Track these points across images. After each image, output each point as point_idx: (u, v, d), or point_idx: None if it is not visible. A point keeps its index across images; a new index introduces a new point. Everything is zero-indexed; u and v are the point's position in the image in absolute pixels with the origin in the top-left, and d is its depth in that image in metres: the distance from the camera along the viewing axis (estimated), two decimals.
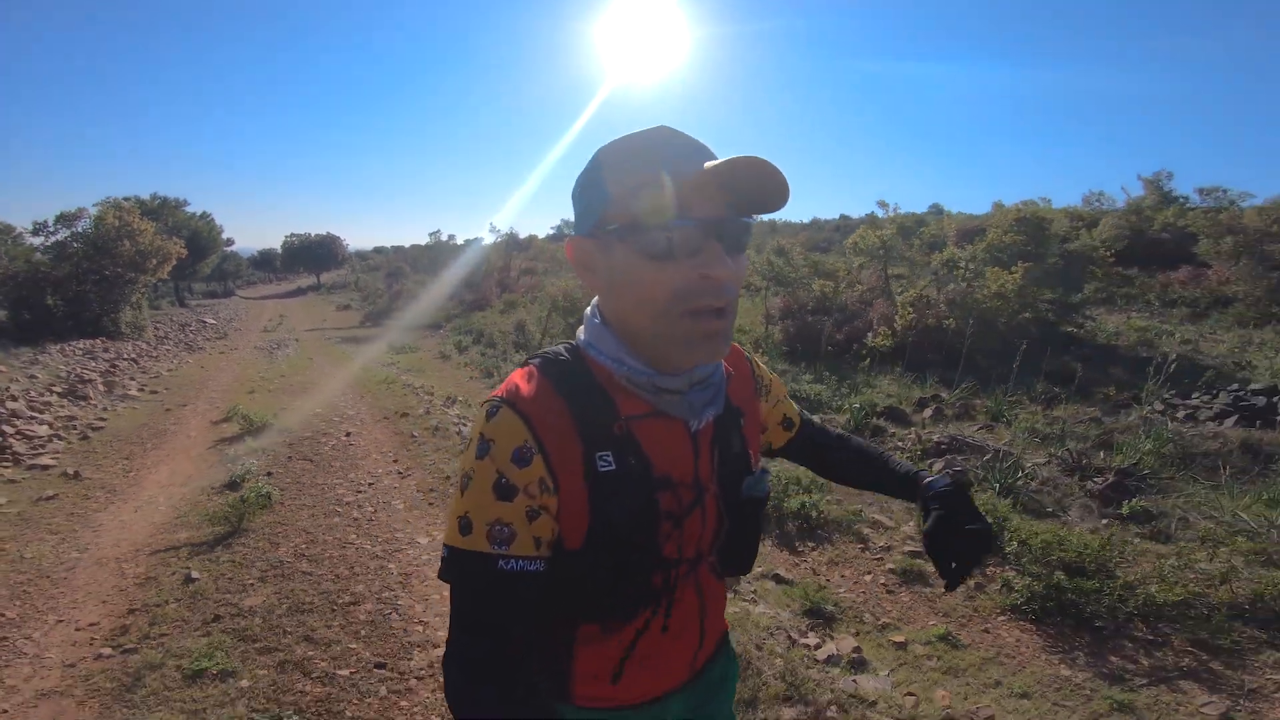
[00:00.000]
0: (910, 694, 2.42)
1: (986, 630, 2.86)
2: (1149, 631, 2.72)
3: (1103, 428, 5.41)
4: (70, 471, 4.82)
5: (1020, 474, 4.33)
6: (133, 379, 8.78)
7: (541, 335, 11.86)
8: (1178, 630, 2.69)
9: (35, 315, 12.74)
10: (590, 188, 0.75)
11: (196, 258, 24.10)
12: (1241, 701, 2.31)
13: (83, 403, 6.94)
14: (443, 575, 0.72)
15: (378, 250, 54.13)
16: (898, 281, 12.21)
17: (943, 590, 0.95)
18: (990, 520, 0.89)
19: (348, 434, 6.01)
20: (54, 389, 7.15)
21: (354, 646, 2.65)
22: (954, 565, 0.89)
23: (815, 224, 28.54)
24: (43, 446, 5.31)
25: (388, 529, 3.87)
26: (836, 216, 28.20)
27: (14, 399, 6.40)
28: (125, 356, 10.75)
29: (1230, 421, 5.35)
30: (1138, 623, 2.76)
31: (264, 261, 59.04)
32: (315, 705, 2.31)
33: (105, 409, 6.93)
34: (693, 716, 0.95)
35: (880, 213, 16.34)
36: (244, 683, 2.42)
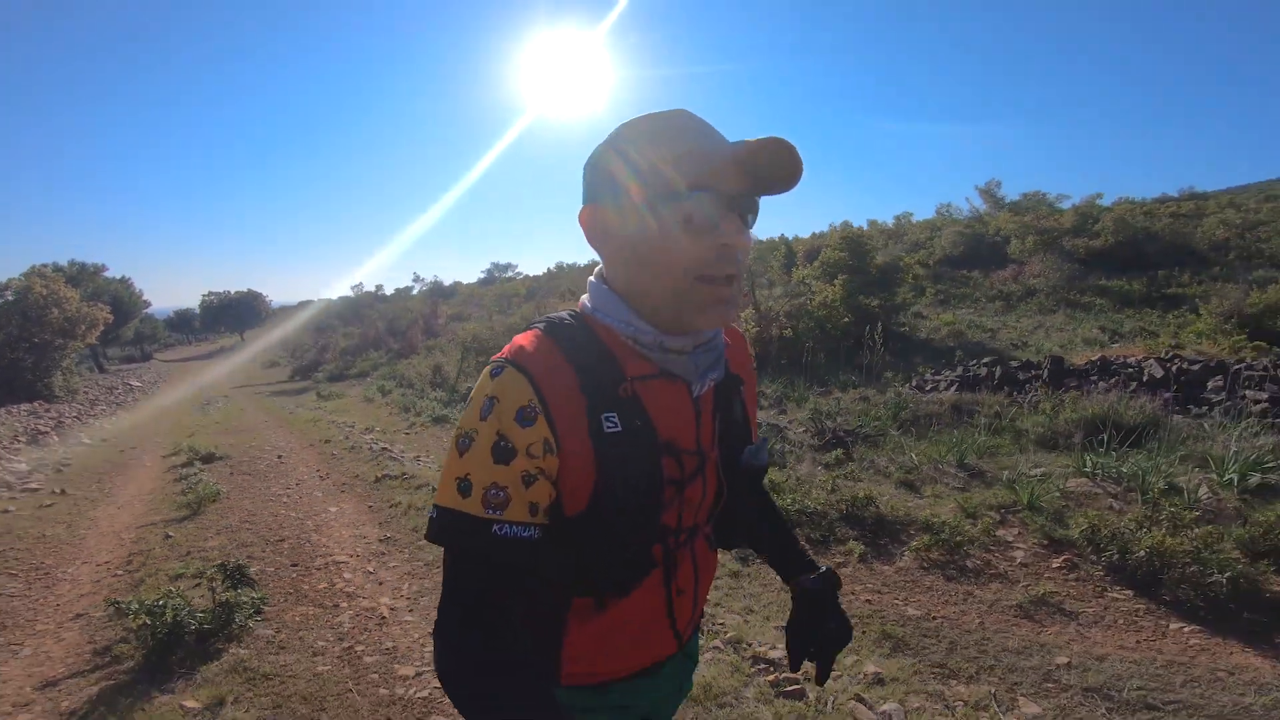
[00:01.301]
0: None
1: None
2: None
3: (868, 402, 7.64)
4: (57, 490, 6.38)
5: (780, 439, 6.42)
6: (81, 431, 10.13)
7: (457, 375, 13.64)
8: (802, 527, 4.14)
9: None
10: (612, 158, 0.79)
11: (119, 323, 24.80)
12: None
13: (46, 448, 8.36)
14: (432, 537, 0.72)
15: (303, 304, 54.45)
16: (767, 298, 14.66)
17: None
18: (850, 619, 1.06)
19: (279, 456, 7.69)
20: (19, 439, 8.54)
21: (279, 559, 4.40)
22: (810, 654, 0.96)
23: None
24: (28, 477, 6.81)
25: (308, 505, 5.63)
26: None
27: None
28: (67, 416, 11.96)
29: (954, 389, 7.67)
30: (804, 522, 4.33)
31: (181, 322, 57.92)
32: (254, 575, 4.11)
33: (66, 453, 8.37)
34: (677, 690, 0.99)
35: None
36: (209, 575, 4.19)
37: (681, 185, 0.73)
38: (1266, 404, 6.00)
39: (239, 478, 6.72)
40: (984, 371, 7.93)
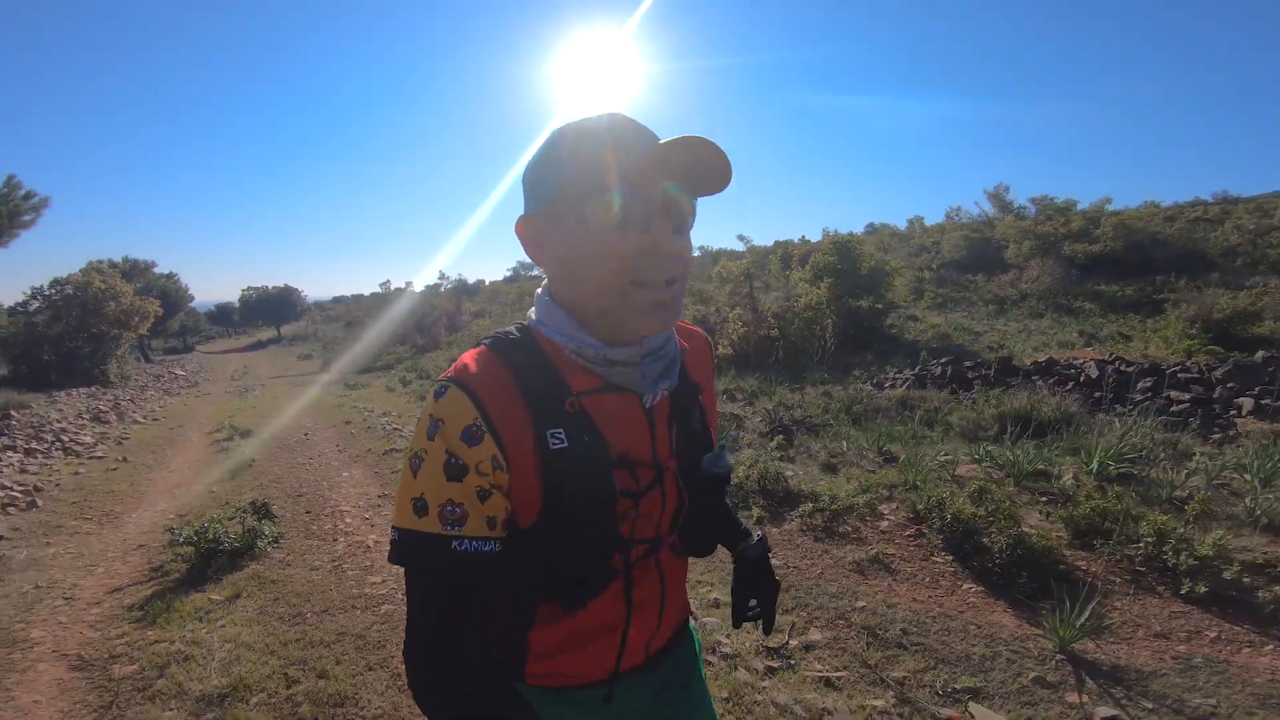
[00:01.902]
0: None
1: None
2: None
3: (830, 397, 8.40)
4: (120, 458, 7.56)
5: (737, 427, 7.24)
6: (135, 412, 11.43)
7: None
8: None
9: (32, 369, 15.27)
10: (543, 165, 0.79)
11: (166, 315, 26.64)
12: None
13: (107, 425, 9.63)
14: (394, 559, 0.74)
15: (336, 300, 56.29)
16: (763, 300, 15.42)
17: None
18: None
19: (305, 434, 8.79)
20: (83, 416, 9.82)
21: (296, 508, 5.42)
22: (749, 612, 1.07)
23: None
24: (94, 448, 8.01)
25: (325, 471, 6.67)
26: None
27: (60, 422, 9.06)
28: (122, 399, 13.34)
29: (905, 387, 8.39)
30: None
31: (221, 316, 59.85)
32: (275, 515, 5.11)
33: (124, 429, 9.63)
34: (658, 705, 0.98)
35: (740, 246, 19.98)
36: (242, 509, 5.22)
37: (606, 188, 0.73)
38: (1187, 404, 6.61)
39: (270, 450, 7.81)
40: (938, 370, 8.61)
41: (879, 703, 2.51)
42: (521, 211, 0.84)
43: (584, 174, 0.74)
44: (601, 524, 0.79)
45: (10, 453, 7.29)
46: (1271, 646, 2.71)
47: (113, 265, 23.91)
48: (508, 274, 44.40)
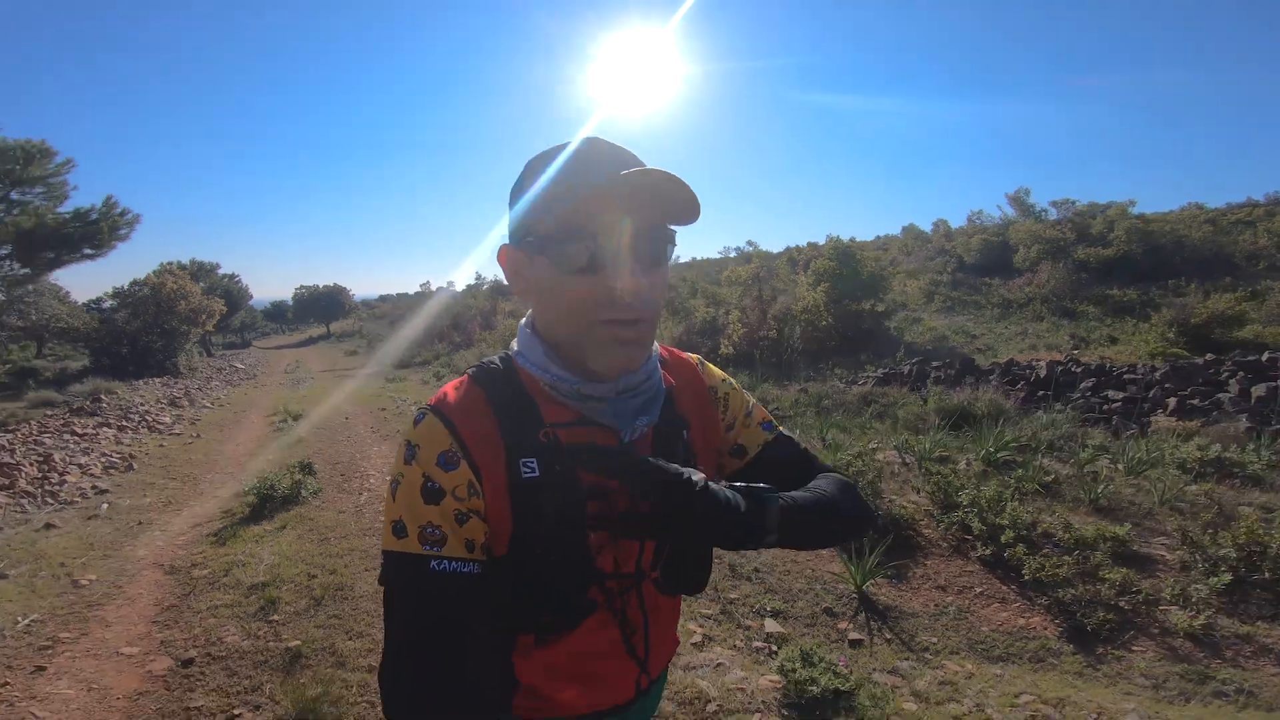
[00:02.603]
0: None
1: None
2: None
3: (806, 393, 9.34)
4: (194, 435, 9.07)
5: None
6: (203, 399, 13.12)
7: None
8: None
9: (112, 361, 17.30)
10: (515, 198, 0.79)
11: (229, 313, 29.05)
12: None
13: (181, 409, 11.25)
14: (380, 580, 0.76)
15: (382, 298, 58.51)
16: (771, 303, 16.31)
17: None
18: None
19: (346, 418, 10.18)
20: (161, 401, 11.47)
21: (334, 472, 6.69)
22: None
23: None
24: (172, 427, 9.56)
25: (359, 446, 7.98)
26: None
27: (143, 405, 10.71)
28: (191, 388, 15.13)
29: (871, 384, 9.26)
30: None
31: (276, 313, 62.50)
32: (317, 473, 6.39)
33: (196, 413, 11.24)
34: None
35: (749, 249, 20.88)
36: (291, 467, 6.52)
37: (568, 226, 0.72)
38: (1119, 403, 7.35)
39: (317, 430, 9.21)
40: (905, 369, 9.44)
41: (708, 610, 3.56)
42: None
43: (543, 210, 0.75)
44: (572, 554, 0.79)
45: (106, 429, 8.86)
46: (1017, 605, 3.61)
47: (182, 266, 26.28)
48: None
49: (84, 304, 20.98)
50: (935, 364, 9.46)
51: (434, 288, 34.43)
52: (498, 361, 0.86)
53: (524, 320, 0.88)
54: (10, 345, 16.32)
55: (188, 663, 3.19)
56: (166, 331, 18.32)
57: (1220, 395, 6.93)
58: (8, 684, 3.03)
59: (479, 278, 29.36)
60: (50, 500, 5.78)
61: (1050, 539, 3.94)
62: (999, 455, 5.42)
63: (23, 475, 6.23)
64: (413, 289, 49.30)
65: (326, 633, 3.37)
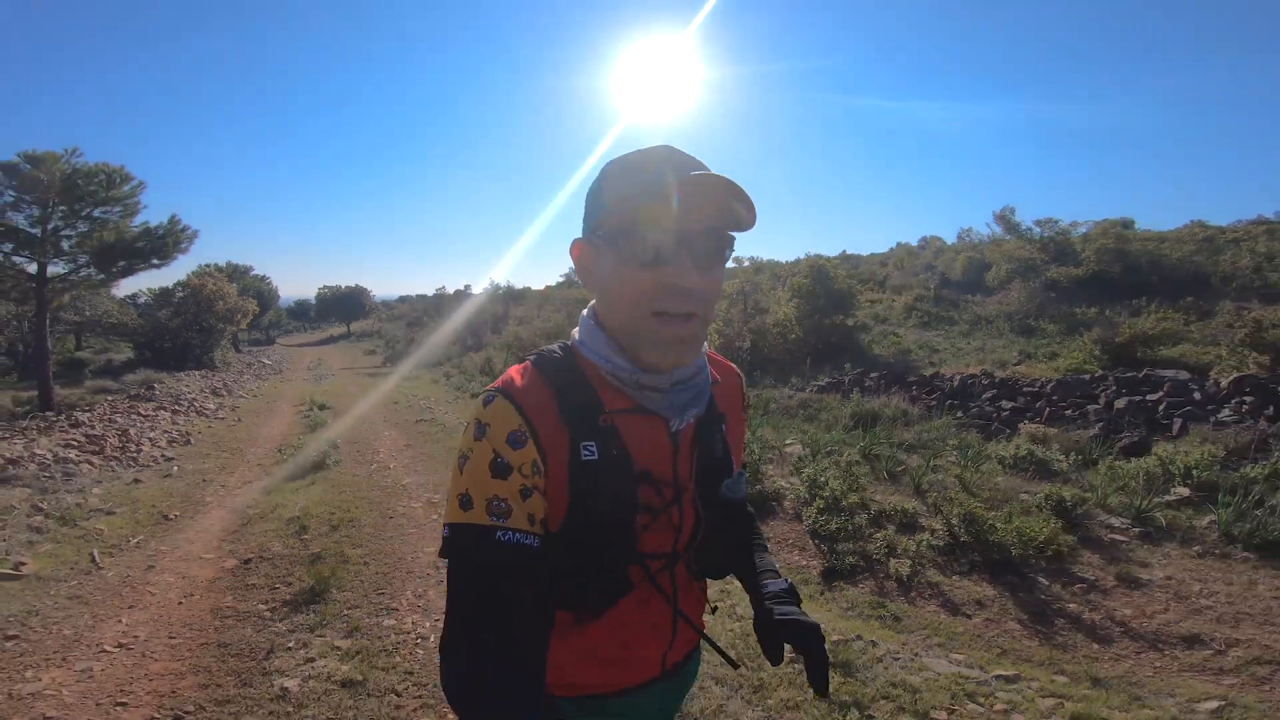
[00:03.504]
0: None
1: None
2: None
3: (759, 397, 10.83)
4: (236, 419, 10.87)
5: None
6: (239, 390, 15.01)
7: (502, 367, 17.71)
8: None
9: (154, 354, 19.33)
10: (593, 195, 0.88)
11: (260, 313, 31.28)
12: None
13: (222, 398, 13.12)
14: (444, 552, 0.80)
15: (401, 299, 60.13)
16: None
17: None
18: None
19: (362, 409, 11.93)
20: (204, 391, 13.36)
21: (351, 450, 8.35)
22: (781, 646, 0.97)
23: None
24: (216, 412, 11.37)
25: (372, 431, 9.66)
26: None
27: (190, 394, 12.60)
28: (228, 380, 17.07)
29: (812, 390, 10.72)
30: None
31: (299, 312, 65.02)
32: (345, 455, 8.10)
33: (234, 401, 13.09)
34: (669, 714, 1.08)
35: (732, 264, 22.37)
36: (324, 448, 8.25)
37: (637, 223, 0.80)
38: (1008, 411, 8.76)
39: (337, 417, 10.95)
40: (846, 379, 10.91)
41: None
42: (580, 231, 0.93)
43: (616, 207, 0.83)
44: (622, 534, 0.86)
45: (163, 411, 10.69)
46: (808, 552, 4.98)
47: (219, 269, 28.54)
48: (560, 280, 47.18)
49: (120, 300, 23.14)
50: (872, 374, 10.87)
51: (450, 290, 36.35)
52: (558, 350, 0.92)
53: (585, 312, 0.95)
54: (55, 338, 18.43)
55: (246, 561, 4.83)
56: (204, 329, 20.34)
57: (1089, 407, 8.31)
58: (130, 575, 4.70)
59: (493, 285, 31.16)
60: (132, 463, 7.54)
61: (864, 509, 5.43)
62: (872, 449, 6.91)
63: (108, 444, 8.02)
64: (430, 290, 50.94)
65: (338, 544, 4.99)
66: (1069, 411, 8.42)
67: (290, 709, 2.96)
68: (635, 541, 0.88)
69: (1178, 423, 6.97)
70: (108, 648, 3.55)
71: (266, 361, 26.74)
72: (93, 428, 8.85)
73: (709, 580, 1.07)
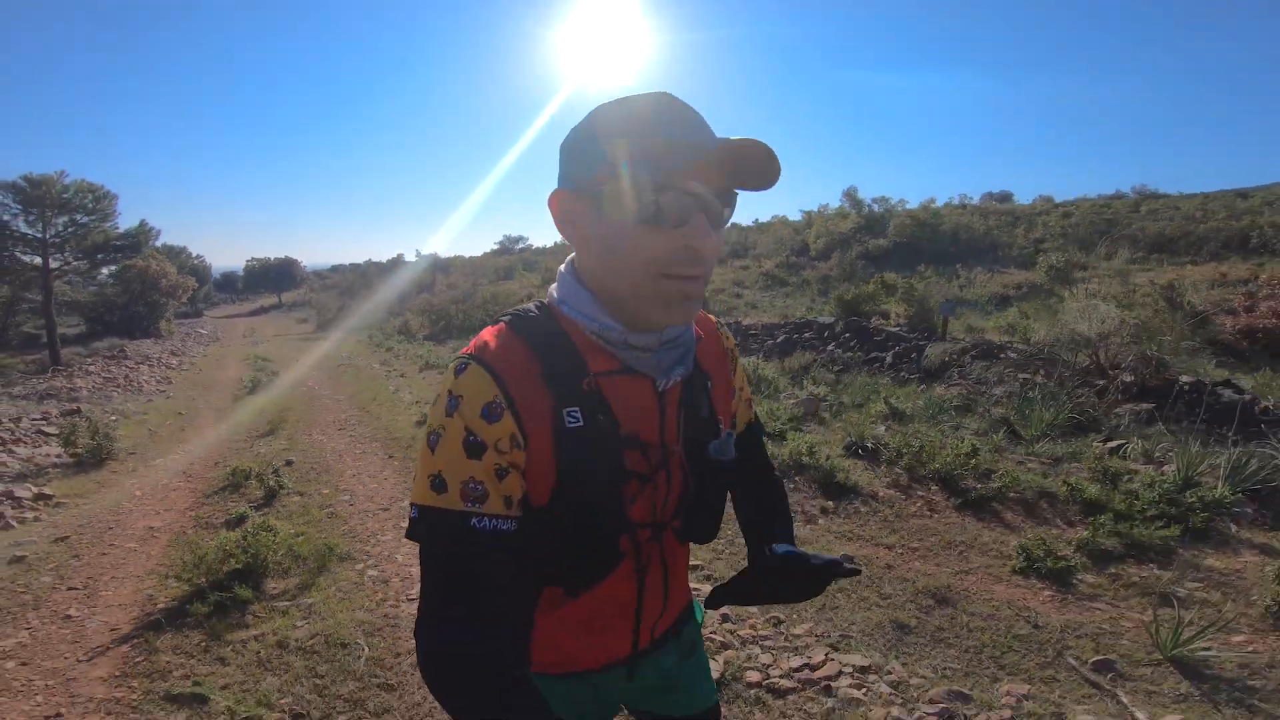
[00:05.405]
0: None
1: None
2: None
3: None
4: (198, 370, 14.85)
5: None
6: (188, 353, 18.76)
7: (417, 330, 21.73)
8: None
9: (104, 326, 22.69)
10: (585, 143, 0.80)
11: (198, 289, 34.22)
12: None
13: (180, 357, 16.94)
14: (411, 534, 0.77)
15: (334, 268, 60.90)
16: None
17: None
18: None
19: (296, 360, 15.93)
20: (164, 352, 17.15)
21: (299, 394, 12.54)
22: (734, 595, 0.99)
23: None
24: (179, 367, 15.28)
25: (308, 378, 13.76)
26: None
27: (155, 354, 16.40)
28: (174, 347, 20.70)
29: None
30: None
31: (227, 284, 65.04)
32: (282, 384, 12.29)
33: (190, 360, 16.90)
34: (663, 684, 1.06)
35: None
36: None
37: (651, 179, 0.74)
38: (776, 346, 13.47)
39: (278, 368, 14.95)
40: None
41: None
42: (555, 185, 0.85)
43: (625, 161, 0.75)
44: (611, 504, 0.83)
45: (142, 365, 14.57)
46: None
47: (158, 251, 31.43)
48: (494, 247, 48.03)
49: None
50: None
51: (382, 260, 39.26)
52: (534, 309, 0.88)
53: (563, 268, 0.90)
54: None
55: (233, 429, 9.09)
56: (149, 303, 23.65)
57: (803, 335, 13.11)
58: (172, 436, 8.87)
59: (418, 255, 34.42)
60: (140, 393, 11.56)
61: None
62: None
63: (121, 382, 12.02)
64: (361, 259, 52.19)
65: (283, 412, 9.25)
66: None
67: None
68: (625, 509, 0.86)
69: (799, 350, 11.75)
70: (170, 466, 7.83)
71: (203, 331, 29.94)
72: (107, 372, 12.79)
73: (694, 545, 1.07)
